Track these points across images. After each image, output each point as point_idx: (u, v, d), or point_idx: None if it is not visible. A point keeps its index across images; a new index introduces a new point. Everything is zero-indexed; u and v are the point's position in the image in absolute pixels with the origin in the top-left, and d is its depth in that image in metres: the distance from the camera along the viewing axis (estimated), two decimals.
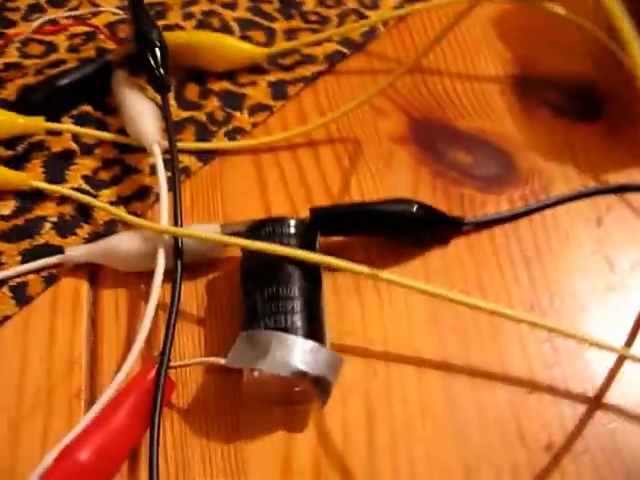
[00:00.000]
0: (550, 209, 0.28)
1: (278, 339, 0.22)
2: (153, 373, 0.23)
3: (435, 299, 0.25)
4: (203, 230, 0.26)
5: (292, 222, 0.24)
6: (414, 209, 0.26)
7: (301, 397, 0.23)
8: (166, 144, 0.27)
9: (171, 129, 0.27)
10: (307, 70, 0.32)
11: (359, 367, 0.24)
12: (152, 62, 0.28)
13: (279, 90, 0.31)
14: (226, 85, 0.32)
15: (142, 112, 0.28)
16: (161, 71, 0.28)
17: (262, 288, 0.23)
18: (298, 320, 0.23)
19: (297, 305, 0.23)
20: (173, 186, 0.26)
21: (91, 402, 0.24)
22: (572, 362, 0.24)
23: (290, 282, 0.23)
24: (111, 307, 0.26)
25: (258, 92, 0.31)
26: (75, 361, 0.25)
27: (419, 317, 0.25)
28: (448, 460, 0.23)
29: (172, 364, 0.23)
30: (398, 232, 0.26)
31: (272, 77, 0.32)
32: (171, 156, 0.27)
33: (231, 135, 0.30)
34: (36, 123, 0.29)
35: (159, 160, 0.27)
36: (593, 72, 0.32)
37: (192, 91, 0.32)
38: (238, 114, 0.31)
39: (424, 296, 0.25)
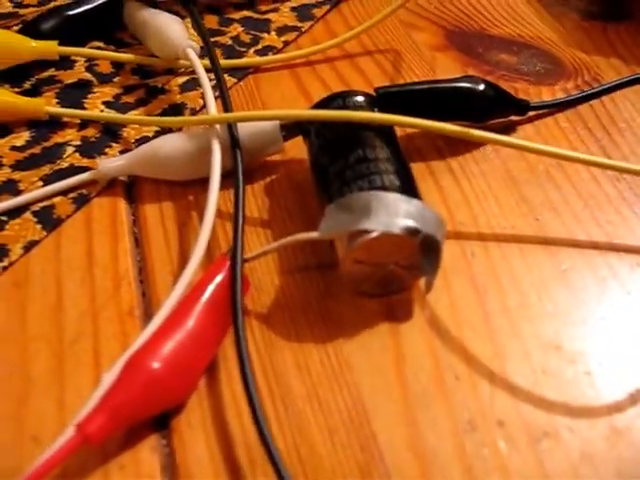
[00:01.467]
0: (607, 95, 0.25)
1: (379, 198, 0.17)
2: (227, 266, 0.18)
3: (517, 177, 0.21)
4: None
5: (361, 95, 0.20)
6: (481, 87, 0.22)
7: (400, 282, 0.18)
8: (197, 48, 0.23)
9: (205, 33, 0.23)
10: None
11: (455, 250, 0.20)
12: None
13: (304, 13, 0.28)
14: (246, 13, 0.28)
15: (169, 23, 0.24)
16: None
17: (346, 155, 0.19)
18: (395, 179, 0.18)
19: (389, 166, 0.18)
20: (217, 81, 0.22)
21: (147, 319, 0.19)
22: None
23: (376, 146, 0.19)
24: (156, 222, 0.21)
25: (282, 16, 0.28)
26: (122, 278, 0.19)
27: (506, 196, 0.21)
28: (577, 339, 0.18)
29: (248, 256, 0.19)
30: (465, 114, 0.22)
31: (294, 3, 0.28)
32: (209, 54, 0.22)
33: (262, 53, 0.26)
34: (49, 47, 0.24)
35: (196, 61, 0.22)
36: None
37: (211, 21, 0.28)
38: (266, 35, 0.27)
39: (504, 175, 0.22)
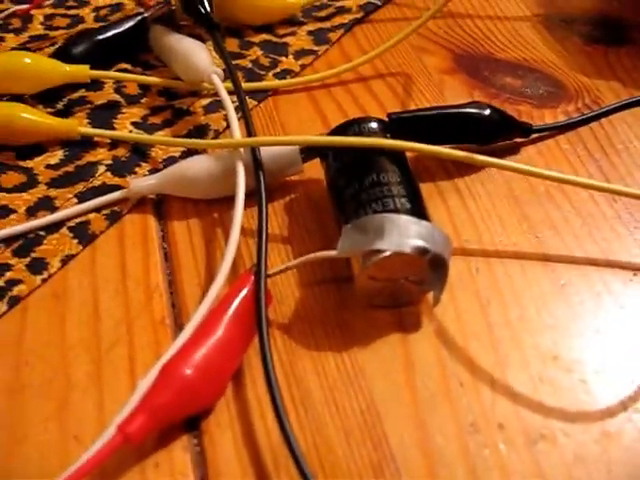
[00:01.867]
0: (605, 118, 0.27)
1: (391, 220, 0.19)
2: (251, 280, 0.20)
3: (519, 197, 0.23)
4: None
5: (375, 121, 0.22)
6: (487, 112, 0.24)
7: (410, 296, 0.20)
8: (221, 73, 0.25)
9: (228, 59, 0.25)
10: (344, 18, 0.31)
11: (460, 266, 0.22)
12: (204, 3, 0.26)
13: (320, 37, 0.30)
14: (265, 37, 0.30)
15: (194, 49, 0.26)
16: (209, 9, 0.27)
17: (361, 179, 0.21)
18: (406, 202, 0.20)
19: (401, 189, 0.20)
20: (240, 105, 0.24)
21: (177, 328, 0.21)
22: None
23: (389, 170, 0.21)
24: (184, 237, 0.23)
25: (299, 40, 0.30)
26: (154, 290, 0.21)
27: (508, 215, 0.23)
28: (573, 349, 0.20)
29: (271, 271, 0.21)
30: (472, 137, 0.24)
31: (310, 27, 0.30)
32: (233, 80, 0.24)
33: (280, 76, 0.28)
34: (82, 71, 0.26)
35: (221, 87, 0.24)
36: (614, 9, 0.32)
37: (232, 44, 0.30)
38: (284, 58, 0.29)
39: (508, 195, 0.24)
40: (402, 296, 0.20)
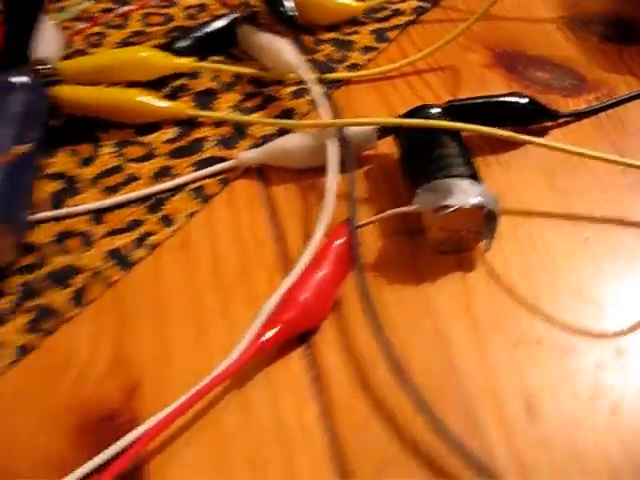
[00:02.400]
0: (619, 106, 0.33)
1: (456, 184, 0.25)
2: (346, 230, 0.26)
3: (550, 169, 0.29)
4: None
5: (437, 107, 0.28)
6: (524, 100, 0.30)
7: (468, 244, 0.26)
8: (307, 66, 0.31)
9: (311, 55, 0.31)
10: (399, 20, 0.36)
11: (505, 222, 0.27)
12: (285, 7, 0.33)
13: (380, 35, 0.36)
14: (333, 35, 0.36)
15: (282, 46, 0.32)
16: (292, 13, 0.32)
17: (429, 153, 0.26)
18: (466, 170, 0.26)
19: (460, 161, 0.26)
20: (325, 93, 0.30)
21: (286, 270, 0.26)
22: None
23: (450, 146, 0.27)
24: (285, 199, 0.29)
25: (363, 38, 0.36)
26: (264, 241, 0.27)
27: (541, 183, 0.29)
28: (594, 287, 0.26)
29: (360, 222, 0.27)
30: (512, 120, 0.30)
31: (371, 27, 0.36)
32: (319, 72, 0.30)
33: (350, 69, 0.34)
34: (188, 63, 0.32)
35: (310, 78, 0.30)
36: (627, 10, 0.38)
37: (307, 41, 0.35)
38: (352, 54, 0.35)
39: (541, 167, 0.29)
40: (462, 244, 0.26)
